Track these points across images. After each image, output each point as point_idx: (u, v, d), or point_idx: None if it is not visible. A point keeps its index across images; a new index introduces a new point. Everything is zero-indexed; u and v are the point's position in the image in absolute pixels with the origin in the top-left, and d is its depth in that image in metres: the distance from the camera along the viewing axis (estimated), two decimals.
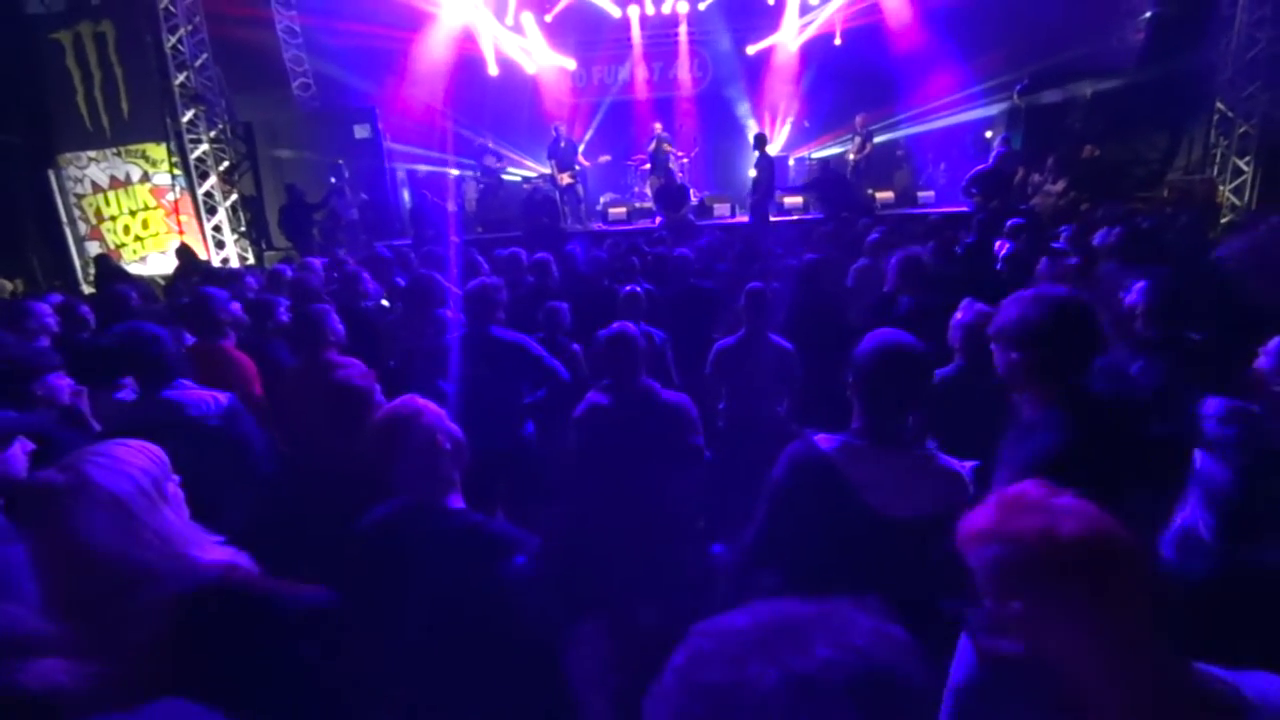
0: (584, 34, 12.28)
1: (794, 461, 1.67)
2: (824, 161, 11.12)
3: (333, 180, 9.90)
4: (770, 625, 0.50)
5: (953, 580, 1.60)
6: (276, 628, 1.41)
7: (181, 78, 9.68)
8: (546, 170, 11.88)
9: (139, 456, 1.34)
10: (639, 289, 3.94)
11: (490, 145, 11.43)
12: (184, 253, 8.65)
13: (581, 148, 11.48)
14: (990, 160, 8.72)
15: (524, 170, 12.29)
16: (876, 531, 1.53)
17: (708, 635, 0.51)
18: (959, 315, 2.59)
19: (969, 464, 1.70)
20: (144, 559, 1.27)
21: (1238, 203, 9.07)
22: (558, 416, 3.50)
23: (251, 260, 10.33)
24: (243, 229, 10.58)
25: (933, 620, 1.61)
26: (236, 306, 3.64)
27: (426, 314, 3.83)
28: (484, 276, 3.67)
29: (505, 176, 11.55)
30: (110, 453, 1.31)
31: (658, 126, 10.93)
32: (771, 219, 9.41)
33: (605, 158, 11.96)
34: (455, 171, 11.86)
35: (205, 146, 9.99)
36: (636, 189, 11.75)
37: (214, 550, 1.39)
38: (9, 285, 7.23)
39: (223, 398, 2.43)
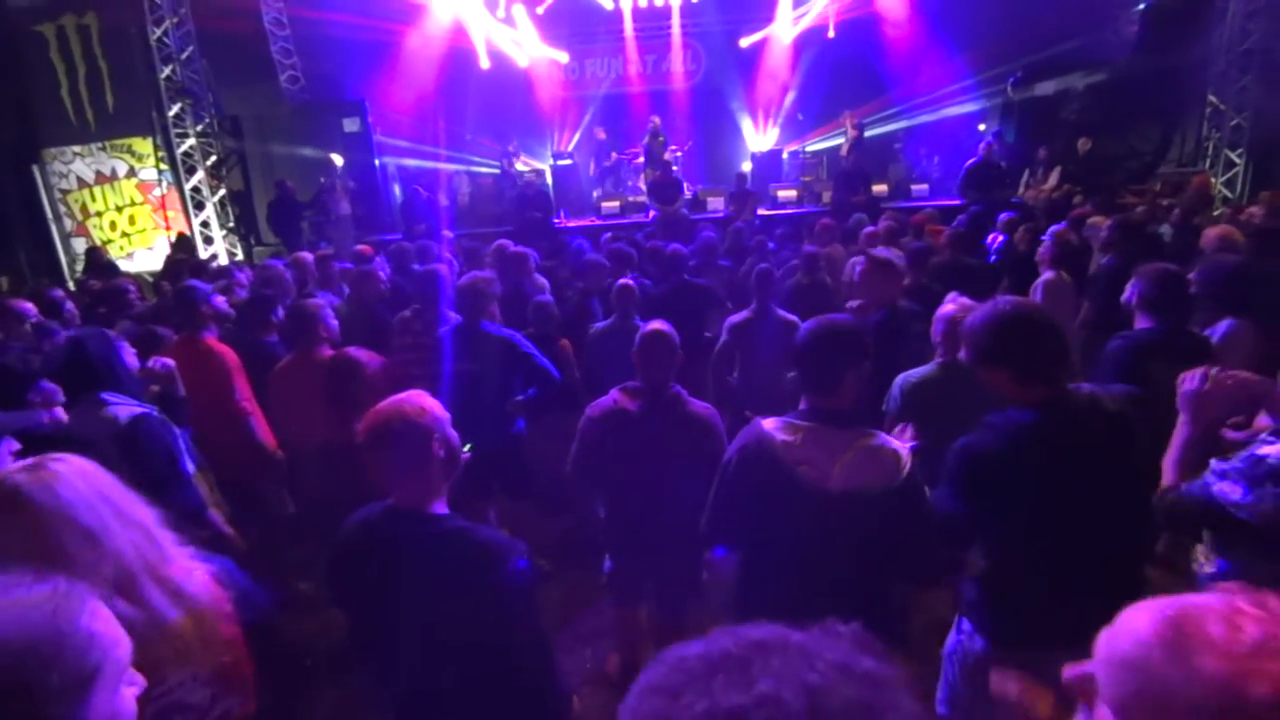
0: (576, 27, 12.18)
1: (741, 441, 1.81)
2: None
3: (322, 180, 9.80)
4: (724, 654, 0.47)
5: (887, 554, 1.63)
6: None
7: (167, 71, 9.54)
8: (540, 165, 11.81)
9: (96, 470, 1.28)
10: (632, 280, 3.89)
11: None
12: (180, 244, 8.60)
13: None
14: (978, 154, 8.71)
15: (516, 164, 12.19)
16: (809, 504, 1.65)
17: (662, 663, 0.49)
18: (945, 308, 2.49)
19: (909, 444, 1.77)
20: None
21: (1230, 195, 9.09)
22: (547, 415, 3.48)
23: (240, 256, 10.23)
24: (231, 224, 10.46)
25: (870, 592, 1.68)
26: (221, 300, 3.60)
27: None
28: (476, 271, 3.65)
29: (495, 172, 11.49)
30: (73, 460, 1.25)
31: (655, 120, 10.86)
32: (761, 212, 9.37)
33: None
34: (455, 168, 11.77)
35: (192, 141, 9.86)
36: (630, 182, 11.68)
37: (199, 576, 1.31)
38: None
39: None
